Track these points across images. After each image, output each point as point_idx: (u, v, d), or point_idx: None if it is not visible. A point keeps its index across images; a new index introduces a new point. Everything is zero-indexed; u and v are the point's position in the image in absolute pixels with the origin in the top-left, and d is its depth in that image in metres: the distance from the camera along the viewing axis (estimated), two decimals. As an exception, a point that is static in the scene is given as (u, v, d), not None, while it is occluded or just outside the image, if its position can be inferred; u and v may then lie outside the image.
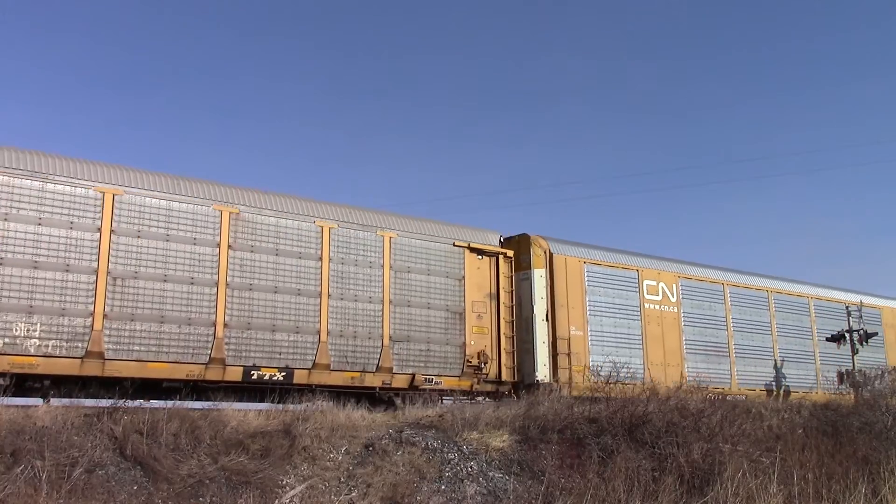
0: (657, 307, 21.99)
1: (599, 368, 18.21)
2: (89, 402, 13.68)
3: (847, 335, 25.21)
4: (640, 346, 21.28)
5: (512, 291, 19.23)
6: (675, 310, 22.29)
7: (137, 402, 12.88)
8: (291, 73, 75.05)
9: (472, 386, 18.18)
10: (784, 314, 25.24)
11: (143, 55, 67.35)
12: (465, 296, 18.54)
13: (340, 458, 12.91)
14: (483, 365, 18.26)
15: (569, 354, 19.54)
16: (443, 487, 12.79)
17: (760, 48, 77.36)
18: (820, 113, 78.20)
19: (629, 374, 18.73)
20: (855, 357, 25.20)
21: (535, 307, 19.47)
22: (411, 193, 78.69)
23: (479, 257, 19.00)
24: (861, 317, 25.67)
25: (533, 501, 12.66)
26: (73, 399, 14.01)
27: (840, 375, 25.03)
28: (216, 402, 13.99)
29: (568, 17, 78.78)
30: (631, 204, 79.66)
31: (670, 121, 78.73)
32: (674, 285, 22.47)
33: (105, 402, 13.03)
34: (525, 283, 19.66)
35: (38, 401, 13.81)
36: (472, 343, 18.40)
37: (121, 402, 12.70)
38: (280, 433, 12.88)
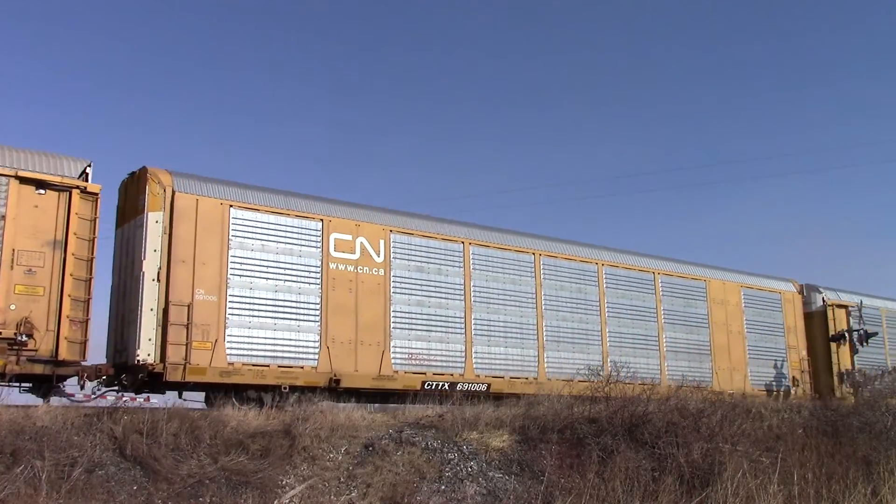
0: (352, 268, 17.15)
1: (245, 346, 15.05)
2: (89, 403, 13.71)
3: (847, 335, 25.21)
4: (318, 318, 16.40)
5: (91, 240, 14.10)
6: (382, 272, 17.53)
7: (137, 402, 12.88)
8: (291, 72, 75.11)
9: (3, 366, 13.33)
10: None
11: (144, 56, 67.40)
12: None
13: (340, 458, 12.91)
14: (25, 337, 13.35)
15: (188, 326, 14.74)
16: (443, 487, 12.79)
17: (761, 48, 77.44)
18: (820, 113, 78.24)
19: (294, 356, 15.86)
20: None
21: (144, 263, 14.75)
22: (411, 193, 78.72)
23: (40, 191, 13.93)
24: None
25: (533, 501, 12.66)
26: (72, 400, 14.05)
27: (840, 375, 25.03)
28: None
29: (568, 17, 78.84)
30: (631, 204, 79.70)
31: (670, 121, 78.78)
32: (381, 241, 17.65)
33: (105, 403, 13.04)
34: (139, 231, 15.12)
35: (37, 401, 13.82)
36: (12, 307, 13.35)
37: (120, 402, 12.71)
38: (280, 433, 12.89)
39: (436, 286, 18.28)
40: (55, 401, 13.63)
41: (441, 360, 17.89)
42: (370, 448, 13.27)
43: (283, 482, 12.04)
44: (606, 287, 21.28)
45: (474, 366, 18.37)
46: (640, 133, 78.82)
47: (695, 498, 12.96)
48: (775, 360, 24.39)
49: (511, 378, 18.87)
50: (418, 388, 17.16)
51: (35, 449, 10.78)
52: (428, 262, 18.32)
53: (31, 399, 13.83)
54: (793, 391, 24.11)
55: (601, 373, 18.31)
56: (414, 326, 17.71)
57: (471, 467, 13.35)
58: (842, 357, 25.50)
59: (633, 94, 78.65)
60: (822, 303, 26.04)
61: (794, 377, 24.43)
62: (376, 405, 17.24)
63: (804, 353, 25.05)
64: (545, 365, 19.51)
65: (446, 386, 17.41)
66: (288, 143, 74.53)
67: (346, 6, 76.56)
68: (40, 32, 64.80)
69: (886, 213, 75.08)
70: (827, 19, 78.83)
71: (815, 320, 26.01)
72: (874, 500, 13.80)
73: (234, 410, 13.62)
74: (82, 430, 11.69)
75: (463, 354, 18.27)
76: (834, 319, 25.84)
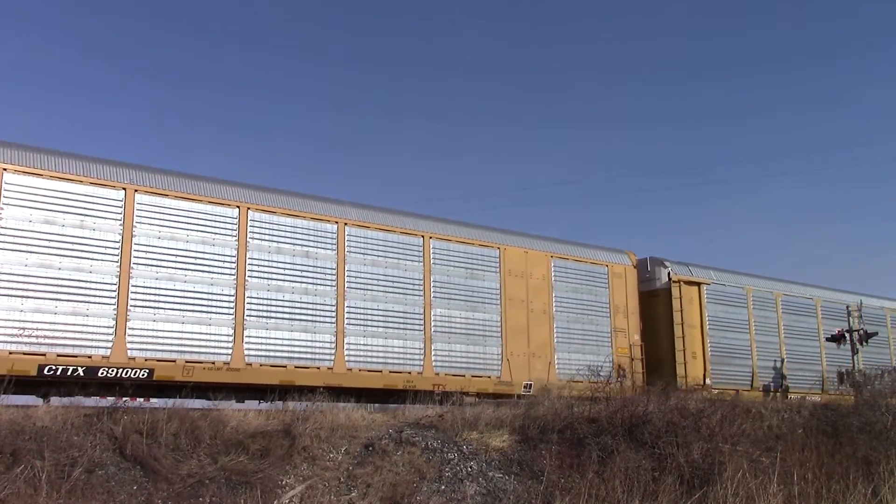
0: None
1: None
2: (89, 402, 13.71)
3: (847, 335, 25.20)
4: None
5: None
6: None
7: (137, 402, 12.91)
8: (291, 72, 75.12)
9: None
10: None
11: (145, 56, 67.44)
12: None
13: (340, 458, 12.92)
14: None
15: None
16: (443, 487, 12.80)
17: (760, 48, 77.42)
18: (820, 113, 78.24)
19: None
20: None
21: None
22: (411, 193, 78.72)
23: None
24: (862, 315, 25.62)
25: (533, 501, 12.66)
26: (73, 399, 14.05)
27: (840, 375, 25.01)
28: (216, 402, 14.01)
29: (568, 17, 78.86)
30: (630, 204, 79.67)
31: (669, 121, 78.79)
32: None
33: (105, 402, 13.05)
34: None
35: (37, 401, 13.83)
36: None
37: (121, 402, 12.74)
38: (280, 433, 12.90)
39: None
40: (55, 401, 13.65)
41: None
42: (370, 448, 13.27)
43: (283, 482, 12.04)
44: (349, 253, 17.34)
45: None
46: (640, 133, 78.85)
47: (695, 498, 12.96)
48: (596, 345, 20.54)
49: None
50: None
51: (35, 449, 10.79)
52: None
53: (32, 399, 13.84)
54: (616, 382, 19.29)
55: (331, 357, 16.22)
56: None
57: (471, 467, 13.35)
58: (690, 341, 22.03)
59: (631, 94, 78.68)
60: (667, 279, 22.37)
61: (619, 365, 20.42)
62: (376, 405, 17.23)
63: (637, 336, 21.25)
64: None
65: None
66: (287, 143, 74.55)
67: (342, 7, 76.66)
68: (43, 34, 64.92)
69: (886, 214, 75.08)
70: (827, 19, 78.86)
71: (658, 299, 22.41)
72: (874, 500, 13.80)
73: (233, 410, 13.63)
74: (82, 430, 11.70)
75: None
76: (681, 298, 22.12)
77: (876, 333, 25.81)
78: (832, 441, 16.18)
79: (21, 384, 12.91)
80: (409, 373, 17.53)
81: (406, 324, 17.78)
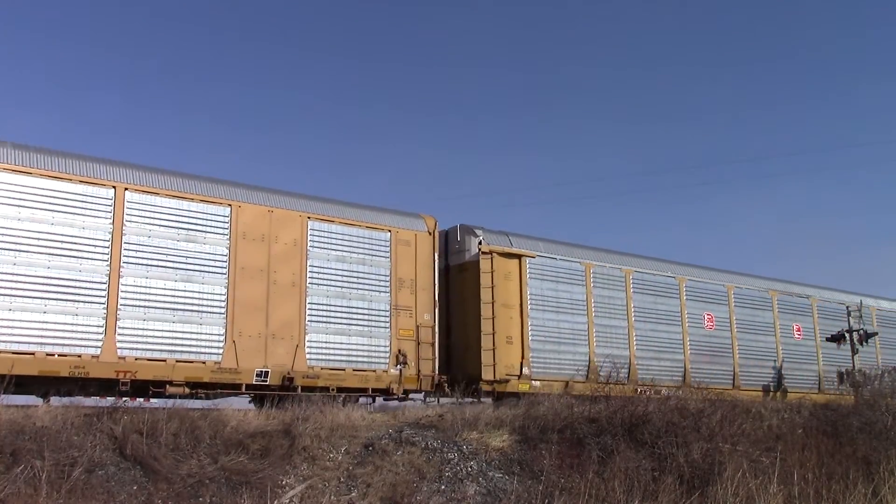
0: None
1: None
2: (89, 402, 13.71)
3: (847, 335, 25.17)
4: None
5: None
6: None
7: (137, 402, 12.91)
8: (291, 73, 75.12)
9: None
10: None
11: (145, 57, 67.42)
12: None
13: (340, 458, 12.91)
14: None
15: None
16: (443, 487, 12.79)
17: (761, 48, 77.42)
18: (820, 113, 78.24)
19: None
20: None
21: None
22: (411, 193, 78.70)
23: None
24: (858, 315, 25.59)
25: (532, 501, 12.65)
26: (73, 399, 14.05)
27: (840, 375, 25.00)
28: (216, 402, 14.02)
29: (568, 16, 78.85)
30: (630, 204, 79.66)
31: (670, 121, 78.79)
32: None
33: (105, 402, 13.04)
34: None
35: (37, 401, 13.82)
36: None
37: (120, 402, 12.74)
38: (280, 433, 12.90)
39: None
40: (55, 401, 13.65)
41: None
42: (370, 448, 13.27)
43: (283, 482, 12.04)
44: None
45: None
46: (640, 133, 78.84)
47: (694, 498, 12.96)
48: (367, 325, 16.99)
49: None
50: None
51: (35, 449, 10.79)
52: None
53: (32, 399, 13.84)
54: (391, 371, 17.02)
55: None
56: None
57: (471, 467, 13.35)
58: (504, 323, 18.57)
59: (633, 93, 78.68)
60: (476, 250, 18.94)
61: (399, 351, 17.15)
62: (377, 405, 17.21)
63: (428, 316, 17.79)
64: None
65: None
66: (287, 143, 74.58)
67: (346, 6, 76.60)
68: (43, 35, 64.93)
69: (886, 214, 75.08)
70: (827, 19, 78.87)
71: (467, 274, 19.09)
72: (874, 500, 13.80)
73: (233, 410, 13.62)
74: (82, 430, 11.70)
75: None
76: (493, 272, 18.63)
77: (876, 333, 25.75)
78: (832, 441, 16.19)
79: None
80: (80, 356, 13.88)
81: (78, 294, 14.13)
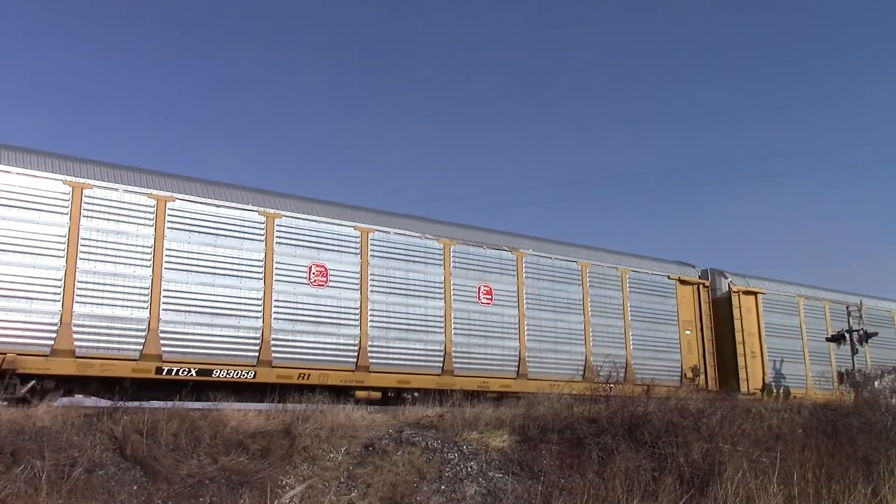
0: None
1: None
2: (89, 403, 13.71)
3: (847, 335, 25.16)
4: None
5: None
6: None
7: (137, 403, 12.91)
8: (294, 72, 75.12)
9: None
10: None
11: (143, 59, 67.42)
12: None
13: (340, 458, 12.91)
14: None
15: None
16: (443, 487, 12.80)
17: (759, 48, 77.42)
18: (820, 113, 78.24)
19: None
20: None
21: None
22: (411, 193, 78.71)
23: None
24: (862, 317, 25.58)
25: (532, 501, 12.66)
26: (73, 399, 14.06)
27: (840, 375, 25.00)
28: (216, 402, 14.02)
29: (569, 17, 78.85)
30: (631, 204, 79.68)
31: (669, 121, 78.79)
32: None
33: (105, 402, 13.04)
34: None
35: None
36: None
37: (120, 402, 12.75)
38: (280, 433, 12.89)
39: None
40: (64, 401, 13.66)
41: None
42: (370, 448, 13.27)
43: (283, 482, 12.04)
44: None
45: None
46: (640, 133, 78.86)
47: (695, 498, 12.96)
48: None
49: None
50: None
51: (35, 449, 10.79)
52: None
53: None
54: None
55: None
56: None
57: (471, 467, 13.35)
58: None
59: (632, 93, 78.72)
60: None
61: None
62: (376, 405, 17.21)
63: None
64: None
65: None
66: (287, 143, 74.57)
67: (347, 6, 76.61)
68: (45, 36, 64.94)
69: (885, 213, 75.08)
70: (827, 19, 78.86)
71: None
72: (874, 500, 13.81)
73: (233, 410, 13.62)
74: (82, 430, 11.70)
75: None
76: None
77: (876, 333, 25.69)
78: (832, 441, 16.18)
79: None
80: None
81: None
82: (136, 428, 11.84)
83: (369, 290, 17.68)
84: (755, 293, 24.53)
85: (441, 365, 18.24)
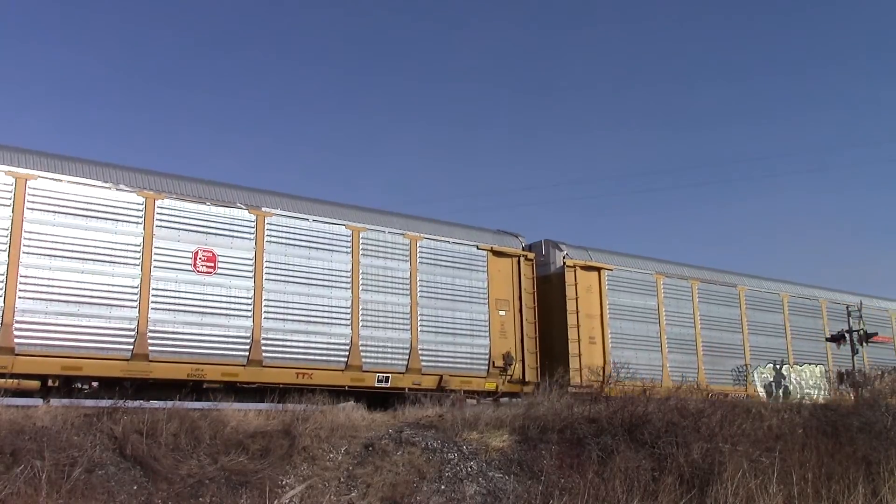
0: None
1: None
2: (89, 403, 13.70)
3: (847, 335, 25.12)
4: None
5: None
6: None
7: (137, 403, 12.90)
8: (294, 73, 75.13)
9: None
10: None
11: (141, 60, 67.45)
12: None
13: (340, 458, 12.92)
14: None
15: None
16: (442, 487, 12.80)
17: (762, 48, 77.43)
18: (821, 113, 78.24)
19: None
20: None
21: None
22: (411, 192, 78.69)
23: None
24: (861, 316, 25.53)
25: (532, 501, 12.66)
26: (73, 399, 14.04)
27: (840, 375, 24.95)
28: (216, 402, 14.01)
29: (569, 17, 78.87)
30: (631, 204, 79.67)
31: (671, 121, 78.81)
32: None
33: (105, 402, 13.04)
34: None
35: (37, 401, 13.82)
36: None
37: (120, 402, 12.73)
38: (280, 433, 12.89)
39: None
40: (55, 401, 13.65)
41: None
42: (370, 448, 13.27)
43: (283, 482, 12.04)
44: None
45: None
46: (641, 132, 78.86)
47: (695, 498, 12.96)
48: None
49: None
50: None
51: (35, 449, 10.79)
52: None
53: (31, 399, 13.84)
54: None
55: None
56: None
57: (471, 467, 13.35)
58: None
59: (634, 93, 78.70)
60: None
61: None
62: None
63: None
64: None
65: None
66: (287, 141, 74.59)
67: (348, 6, 76.63)
68: (47, 35, 64.90)
69: (885, 214, 75.08)
70: (827, 19, 78.86)
71: None
72: (874, 500, 13.82)
73: (233, 410, 13.63)
74: (82, 430, 11.70)
75: None
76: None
77: (876, 333, 25.68)
78: (832, 441, 16.18)
79: None
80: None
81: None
82: (135, 428, 11.84)
83: None
84: (598, 269, 20.90)
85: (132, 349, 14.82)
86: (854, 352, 24.89)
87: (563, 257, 20.55)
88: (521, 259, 19.91)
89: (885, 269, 68.53)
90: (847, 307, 25.75)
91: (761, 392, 23.21)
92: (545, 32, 75.95)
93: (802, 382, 24.28)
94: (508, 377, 18.78)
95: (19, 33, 62.52)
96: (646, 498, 12.79)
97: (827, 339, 25.34)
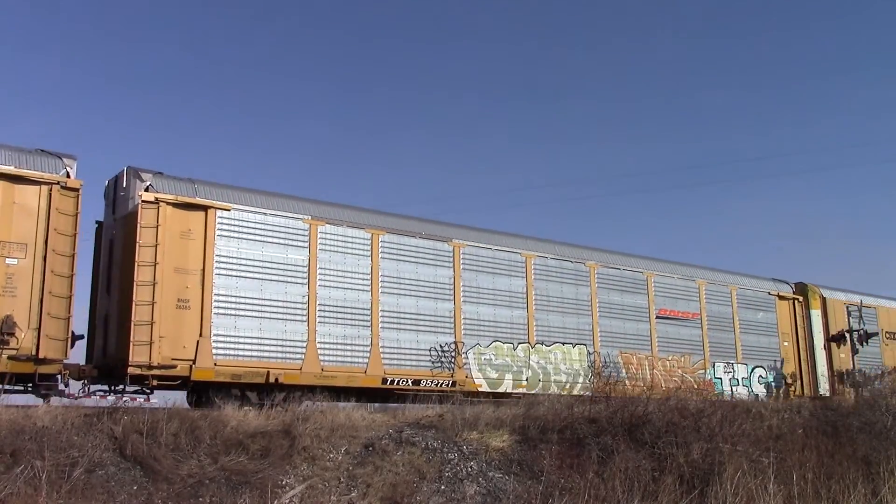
0: None
1: None
2: (89, 403, 13.70)
3: (847, 335, 25.04)
4: None
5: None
6: None
7: (137, 402, 12.90)
8: (295, 76, 75.13)
9: None
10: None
11: (140, 55, 67.43)
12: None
13: (340, 458, 12.91)
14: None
15: None
16: (443, 487, 12.79)
17: (761, 48, 77.43)
18: (821, 113, 78.23)
19: None
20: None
21: None
22: (411, 192, 78.69)
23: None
24: (861, 316, 25.46)
25: (532, 501, 12.66)
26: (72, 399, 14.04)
27: (840, 375, 24.84)
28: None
29: (569, 17, 78.85)
30: (631, 204, 79.69)
31: (671, 120, 78.81)
32: None
33: (105, 403, 13.03)
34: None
35: (37, 401, 13.82)
36: None
37: (120, 402, 12.72)
38: (280, 433, 12.88)
39: None
40: (55, 401, 13.64)
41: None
42: (370, 448, 13.27)
43: (283, 482, 12.03)
44: None
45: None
46: (641, 132, 78.88)
47: (694, 498, 12.96)
48: None
49: None
50: None
51: (35, 449, 10.78)
52: None
53: (32, 399, 13.84)
54: None
55: None
56: None
57: (471, 467, 13.35)
58: None
59: (634, 93, 78.70)
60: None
61: None
62: (377, 405, 17.20)
63: None
64: None
65: None
66: (286, 142, 74.61)
67: (349, 7, 76.65)
68: (47, 34, 64.96)
69: (885, 214, 75.06)
70: (827, 19, 78.85)
71: None
72: (874, 500, 13.81)
73: (233, 410, 13.63)
74: (82, 430, 11.69)
75: None
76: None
77: (876, 334, 25.62)
78: (832, 441, 16.18)
79: None
80: None
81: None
82: (136, 428, 11.83)
83: None
84: (205, 208, 15.76)
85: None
86: (854, 351, 24.81)
87: (147, 188, 15.38)
88: (43, 185, 13.99)
89: (890, 270, 68.55)
90: (847, 307, 25.62)
91: (478, 379, 18.76)
92: (548, 32, 75.94)
93: (550, 367, 19.90)
94: (14, 352, 13.48)
95: (19, 32, 62.51)
96: (646, 498, 12.78)
97: (827, 340, 25.07)
